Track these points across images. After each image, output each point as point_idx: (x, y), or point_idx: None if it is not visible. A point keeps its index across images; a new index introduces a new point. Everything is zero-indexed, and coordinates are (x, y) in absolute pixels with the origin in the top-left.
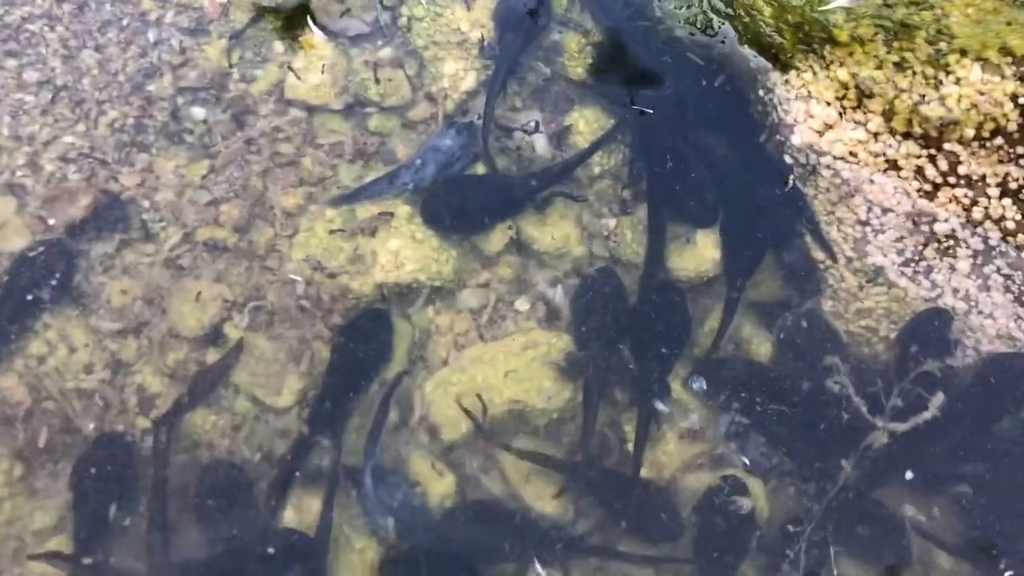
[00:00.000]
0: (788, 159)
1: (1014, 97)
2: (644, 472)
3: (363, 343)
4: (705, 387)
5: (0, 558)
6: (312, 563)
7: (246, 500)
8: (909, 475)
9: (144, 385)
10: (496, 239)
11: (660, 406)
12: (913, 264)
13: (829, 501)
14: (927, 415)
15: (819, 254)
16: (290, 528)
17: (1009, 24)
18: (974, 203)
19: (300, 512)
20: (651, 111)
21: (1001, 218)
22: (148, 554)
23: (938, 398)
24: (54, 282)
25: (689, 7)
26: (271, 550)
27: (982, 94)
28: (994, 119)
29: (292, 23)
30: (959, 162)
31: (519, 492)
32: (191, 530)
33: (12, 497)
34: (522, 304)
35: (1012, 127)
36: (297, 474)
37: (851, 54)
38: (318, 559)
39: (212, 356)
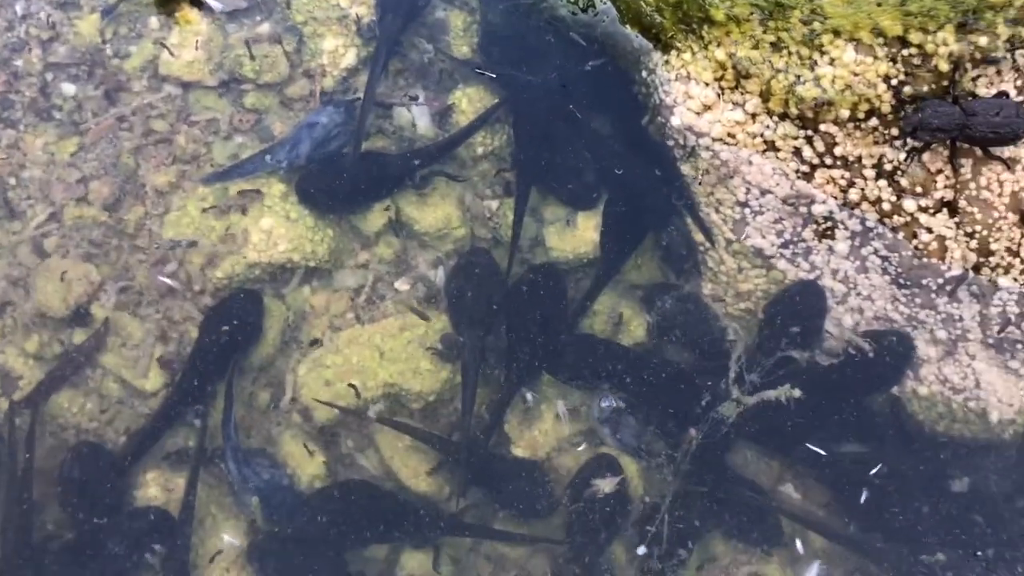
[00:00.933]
0: (669, 141)
1: (887, 78)
2: (519, 451)
3: (228, 325)
4: (615, 405)
5: None
6: (174, 541)
7: (110, 481)
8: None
9: (7, 366)
10: (375, 219)
11: (528, 395)
12: (792, 246)
13: (685, 473)
14: (774, 394)
15: (699, 236)
16: (151, 506)
17: (880, 5)
18: (851, 184)
19: (167, 492)
20: (494, 75)
21: (877, 199)
22: (5, 535)
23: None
24: None
25: None
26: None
27: (856, 75)
28: (868, 100)
29: None
30: (835, 143)
31: (394, 470)
32: (54, 510)
33: None
34: (402, 285)
35: (886, 108)
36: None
37: (728, 33)
38: (181, 537)
39: (78, 337)
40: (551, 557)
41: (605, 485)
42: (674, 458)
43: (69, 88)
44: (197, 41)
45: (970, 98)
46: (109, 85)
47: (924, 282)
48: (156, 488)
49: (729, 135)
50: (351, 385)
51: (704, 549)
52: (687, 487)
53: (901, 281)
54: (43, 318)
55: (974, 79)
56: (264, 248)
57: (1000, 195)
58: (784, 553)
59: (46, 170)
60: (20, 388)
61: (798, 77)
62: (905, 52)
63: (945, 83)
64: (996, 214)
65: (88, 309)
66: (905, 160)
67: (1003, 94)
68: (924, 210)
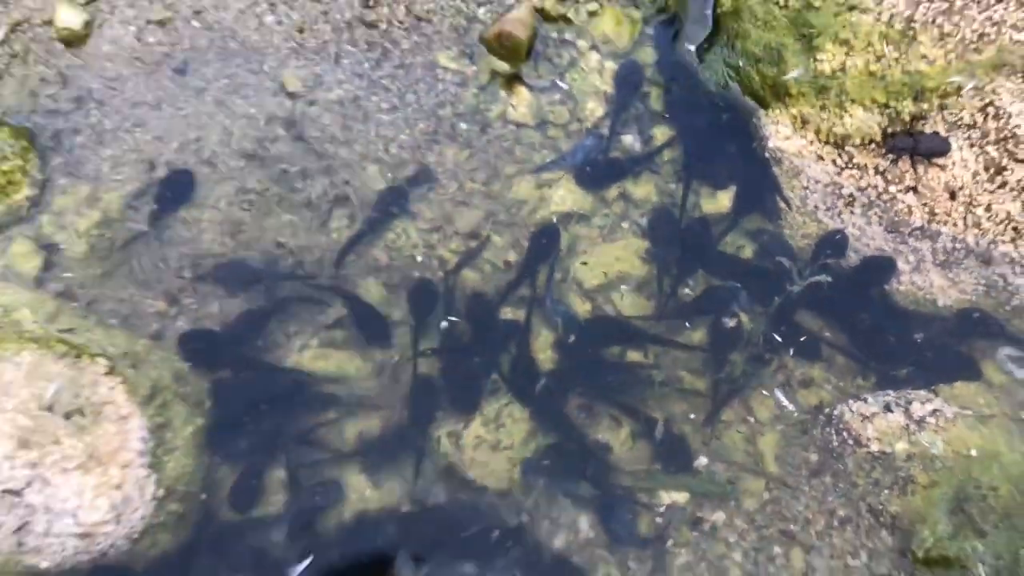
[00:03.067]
0: (767, 155)
1: (879, 124)
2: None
3: (543, 241)
4: (732, 324)
5: None
6: (520, 343)
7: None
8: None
9: None
10: (613, 192)
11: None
12: (831, 210)
13: (771, 318)
14: (819, 279)
15: (782, 205)
16: (511, 319)
17: (874, 86)
18: (862, 178)
19: (515, 315)
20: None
21: (875, 186)
22: None
23: (824, 277)
24: None
25: (713, 73)
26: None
27: (863, 122)
28: (869, 135)
29: None
30: (853, 157)
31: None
32: None
33: None
34: (625, 225)
35: (878, 138)
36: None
37: (798, 101)
38: (525, 341)
39: None
40: (702, 359)
41: (730, 322)
42: (767, 311)
43: None
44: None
45: (920, 133)
46: None
47: (902, 230)
48: (510, 314)
49: (798, 153)
50: (593, 274)
51: (779, 358)
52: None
53: (889, 229)
54: None
55: (922, 122)
56: (560, 204)
57: (938, 183)
58: (822, 365)
59: None
60: None
61: (834, 123)
62: (887, 110)
63: (907, 124)
64: (935, 192)
65: None
66: (889, 165)
67: (935, 132)
68: (900, 191)
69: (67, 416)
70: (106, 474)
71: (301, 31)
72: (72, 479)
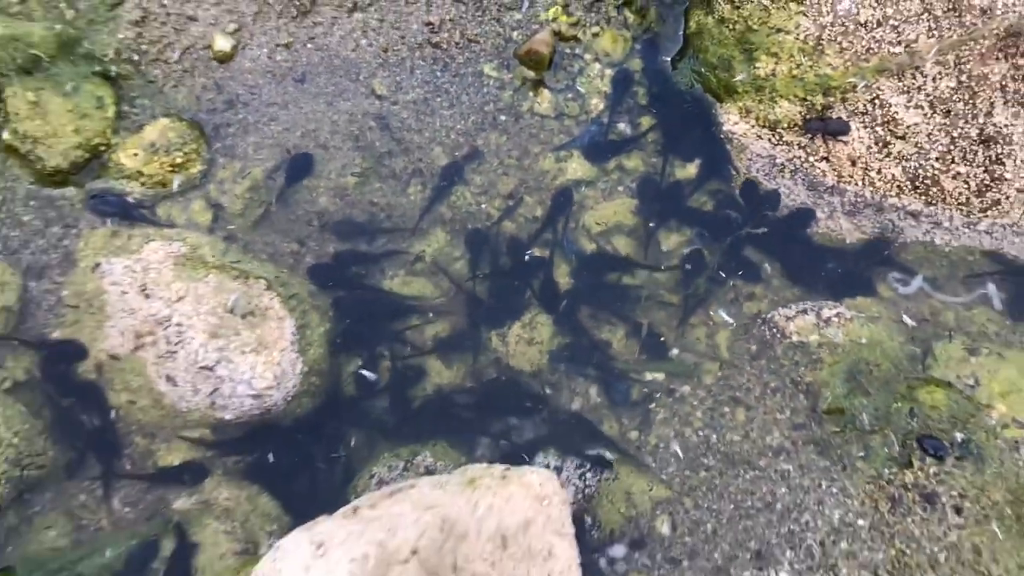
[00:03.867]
0: (721, 135)
1: (800, 112)
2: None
3: (561, 200)
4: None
5: None
6: (546, 272)
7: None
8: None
9: None
10: (611, 164)
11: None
12: (770, 175)
13: (723, 251)
14: (757, 230)
15: (733, 172)
16: (536, 255)
17: (796, 85)
18: (789, 151)
19: (543, 253)
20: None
21: (799, 157)
22: None
23: (763, 229)
24: None
25: (683, 77)
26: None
27: (788, 111)
28: (793, 120)
29: None
30: (783, 135)
31: (616, 245)
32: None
33: None
34: (622, 189)
35: (799, 121)
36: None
37: (743, 97)
38: (550, 270)
39: None
40: (675, 282)
41: (694, 254)
42: (721, 247)
43: None
44: (544, 100)
45: (829, 118)
46: None
47: (819, 188)
48: (538, 252)
49: (744, 134)
50: (597, 223)
51: (731, 281)
52: (729, 256)
53: (809, 189)
54: None
55: (830, 110)
56: (573, 174)
57: (843, 154)
58: (761, 285)
59: None
60: None
61: (768, 112)
62: (805, 102)
63: (819, 112)
64: (841, 161)
65: None
66: (808, 142)
67: (840, 117)
68: (816, 160)
69: (243, 316)
70: (270, 355)
71: (386, 50)
72: (248, 358)
